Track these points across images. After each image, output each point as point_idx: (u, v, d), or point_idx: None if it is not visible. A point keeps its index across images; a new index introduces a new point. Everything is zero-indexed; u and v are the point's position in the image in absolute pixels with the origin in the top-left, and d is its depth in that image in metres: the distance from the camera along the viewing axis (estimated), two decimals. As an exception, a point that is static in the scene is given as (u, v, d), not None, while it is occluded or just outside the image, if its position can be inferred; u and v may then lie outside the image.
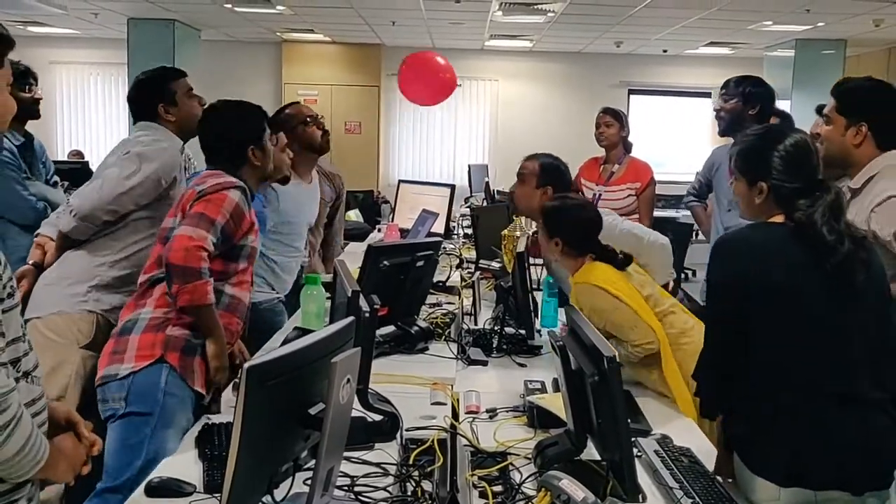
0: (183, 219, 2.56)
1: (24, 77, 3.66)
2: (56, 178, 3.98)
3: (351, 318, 1.91)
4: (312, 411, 1.73)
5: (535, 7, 8.36)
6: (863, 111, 2.58)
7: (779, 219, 2.13)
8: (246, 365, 1.54)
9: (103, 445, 1.95)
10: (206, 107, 3.02)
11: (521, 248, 3.46)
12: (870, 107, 2.60)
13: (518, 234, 4.20)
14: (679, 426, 2.52)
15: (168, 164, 2.97)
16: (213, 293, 2.53)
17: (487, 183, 7.87)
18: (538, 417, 2.42)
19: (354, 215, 9.25)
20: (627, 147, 5.29)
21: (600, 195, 5.14)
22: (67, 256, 2.97)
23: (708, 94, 12.31)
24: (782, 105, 10.42)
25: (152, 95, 3.12)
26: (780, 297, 2.03)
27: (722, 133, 4.18)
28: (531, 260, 3.73)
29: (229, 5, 8.75)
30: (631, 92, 12.27)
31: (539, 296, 3.63)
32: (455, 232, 6.27)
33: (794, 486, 1.98)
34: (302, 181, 3.81)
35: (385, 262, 2.96)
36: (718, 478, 2.10)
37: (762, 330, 2.04)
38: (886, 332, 2.09)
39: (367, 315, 2.11)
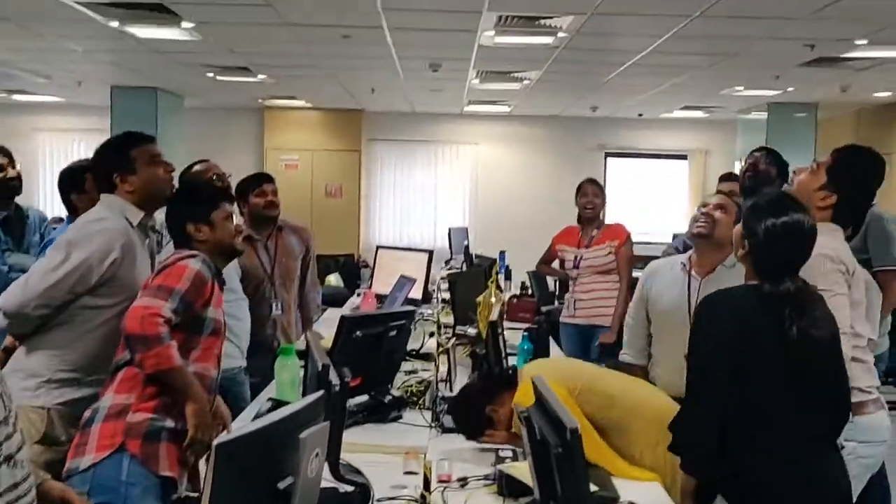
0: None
1: None
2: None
3: (320, 393, 1.94)
4: (281, 485, 1.75)
5: (511, 75, 8.57)
6: (844, 186, 2.74)
7: (755, 282, 2.41)
8: (215, 441, 1.57)
9: None
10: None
11: (494, 316, 3.51)
12: (852, 188, 2.76)
13: (493, 300, 4.26)
14: (646, 490, 2.55)
15: (102, 249, 2.74)
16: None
17: (467, 246, 7.94)
18: (507, 486, 2.44)
19: (334, 279, 9.28)
20: (603, 215, 5.52)
21: (582, 257, 5.28)
22: (22, 347, 2.83)
23: (684, 157, 12.58)
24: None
25: (108, 165, 2.92)
26: (756, 354, 2.32)
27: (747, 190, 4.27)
28: (505, 325, 3.78)
29: (211, 74, 8.92)
30: (608, 155, 12.50)
31: (513, 361, 3.67)
32: (434, 296, 6.32)
33: None
34: None
35: (358, 333, 3.00)
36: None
37: (743, 383, 2.31)
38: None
39: (336, 388, 2.14)
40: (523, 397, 2.79)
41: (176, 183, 3.10)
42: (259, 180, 4.55)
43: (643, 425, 2.74)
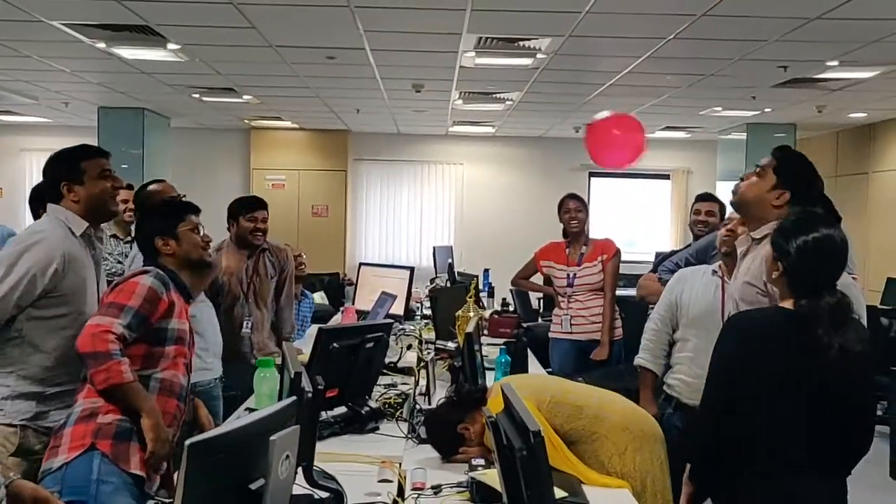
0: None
1: None
2: None
3: (292, 398, 2.01)
4: (253, 487, 1.81)
5: (494, 96, 8.70)
6: (793, 183, 2.77)
7: (788, 304, 2.41)
8: (187, 441, 1.63)
9: None
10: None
11: (470, 328, 3.59)
12: (800, 182, 2.79)
13: (471, 314, 4.35)
14: (615, 497, 2.62)
15: (43, 260, 2.73)
16: (135, 375, 2.56)
17: (451, 264, 8.02)
18: (479, 492, 2.51)
19: (319, 297, 9.30)
20: (588, 230, 5.49)
21: (575, 275, 5.27)
22: None
23: (667, 176, 12.72)
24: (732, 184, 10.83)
25: (57, 174, 2.92)
26: (772, 374, 2.35)
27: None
28: (486, 341, 3.85)
29: (197, 95, 9.01)
30: (592, 174, 12.62)
31: (492, 375, 3.74)
32: (417, 313, 6.39)
33: None
34: None
35: (335, 345, 3.06)
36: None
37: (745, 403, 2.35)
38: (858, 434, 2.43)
39: (309, 395, 2.21)
40: (495, 408, 2.89)
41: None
42: (253, 206, 4.66)
43: (610, 432, 2.82)
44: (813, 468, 2.37)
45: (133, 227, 4.69)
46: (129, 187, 4.82)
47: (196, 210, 2.94)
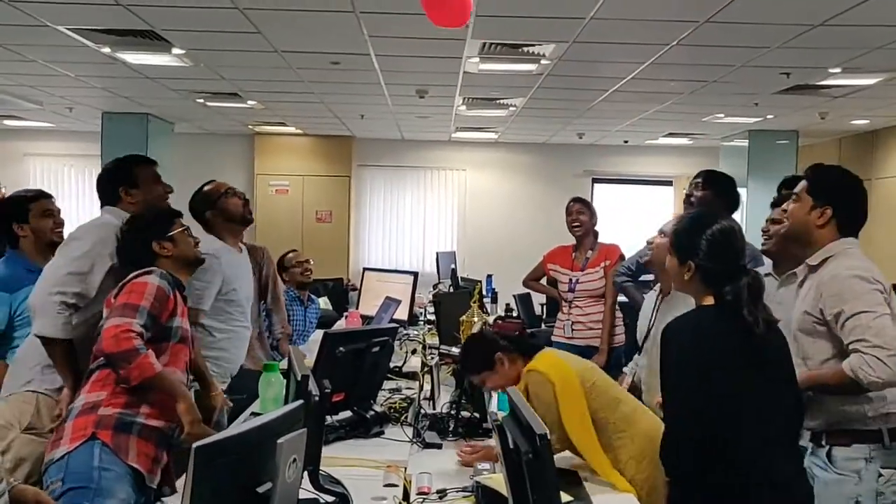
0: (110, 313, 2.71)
1: None
2: None
3: (299, 402, 2.02)
4: (260, 490, 1.82)
5: (497, 102, 8.71)
6: (830, 196, 2.74)
7: (709, 300, 2.43)
8: (195, 444, 1.64)
9: None
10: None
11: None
12: (836, 193, 2.76)
13: (475, 319, 4.35)
14: (621, 501, 2.62)
15: (104, 238, 3.06)
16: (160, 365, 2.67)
17: (454, 269, 8.02)
18: (484, 497, 2.52)
19: (323, 303, 9.31)
20: (596, 234, 5.49)
21: (578, 280, 5.30)
22: (26, 340, 3.09)
23: (669, 183, 12.73)
24: (738, 192, 10.81)
25: (114, 179, 3.29)
26: (715, 374, 2.35)
27: None
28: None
29: (201, 100, 9.03)
30: (595, 181, 12.64)
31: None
32: (421, 318, 6.40)
33: None
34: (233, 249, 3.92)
35: (341, 349, 3.07)
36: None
37: (707, 402, 2.35)
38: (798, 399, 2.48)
39: (316, 398, 2.22)
40: (540, 364, 2.92)
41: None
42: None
43: (636, 436, 2.85)
44: (780, 446, 2.41)
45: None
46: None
47: (180, 214, 3.13)
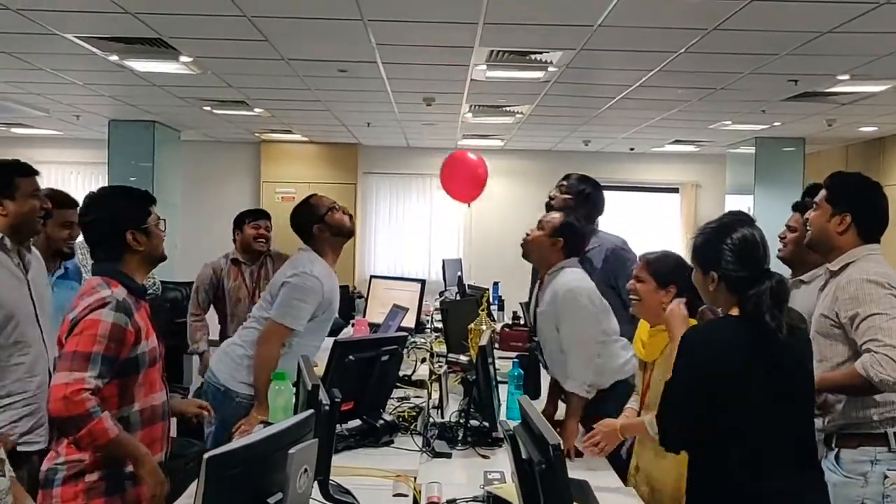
0: (60, 352, 2.48)
1: None
2: None
3: (310, 411, 2.00)
4: (271, 500, 1.80)
5: (504, 109, 8.71)
6: (848, 202, 2.78)
7: (735, 311, 2.39)
8: (206, 455, 1.63)
9: None
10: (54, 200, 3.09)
11: (484, 341, 3.57)
12: (855, 199, 2.80)
13: (484, 327, 4.33)
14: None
15: None
16: (117, 420, 2.46)
17: (460, 277, 8.01)
18: (495, 506, 2.49)
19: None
20: None
21: None
22: None
23: (675, 190, 12.71)
24: (745, 199, 10.82)
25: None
26: (735, 384, 2.31)
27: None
28: (497, 354, 3.84)
29: (208, 108, 9.04)
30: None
31: (504, 388, 3.72)
32: (428, 326, 6.37)
33: None
34: (332, 267, 3.82)
35: (350, 357, 3.05)
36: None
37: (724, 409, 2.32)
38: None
39: (326, 408, 2.20)
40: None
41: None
42: (256, 215, 5.27)
43: None
44: (795, 459, 2.37)
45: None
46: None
47: (155, 201, 2.79)
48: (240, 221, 5.23)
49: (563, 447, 1.94)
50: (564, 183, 4.37)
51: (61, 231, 3.54)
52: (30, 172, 3.08)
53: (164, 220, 2.79)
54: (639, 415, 3.08)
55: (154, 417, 2.64)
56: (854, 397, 2.64)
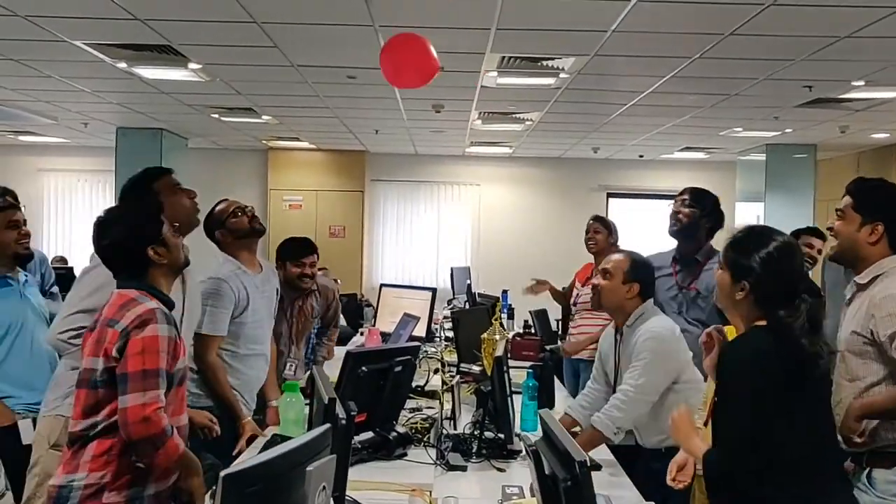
0: (106, 364, 2.39)
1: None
2: (55, 288, 4.03)
3: (327, 426, 1.94)
4: (288, 519, 1.75)
5: (513, 116, 8.66)
6: (881, 211, 2.63)
7: (761, 323, 2.26)
8: (223, 473, 1.57)
9: None
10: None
11: (499, 351, 3.51)
12: (888, 207, 2.64)
13: (497, 337, 4.26)
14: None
15: None
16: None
17: (469, 285, 7.94)
18: (515, 523, 2.43)
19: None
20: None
21: (579, 295, 5.39)
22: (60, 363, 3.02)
23: (684, 197, 12.64)
24: (755, 207, 10.72)
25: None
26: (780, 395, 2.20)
27: (674, 233, 4.19)
28: (510, 363, 3.77)
29: (216, 115, 9.01)
30: (610, 195, 12.56)
31: (519, 399, 3.66)
32: (437, 335, 6.31)
33: None
34: (249, 270, 3.79)
35: (363, 368, 2.99)
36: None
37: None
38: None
39: (343, 422, 2.14)
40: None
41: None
42: (300, 253, 4.56)
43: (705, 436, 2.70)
44: (834, 471, 2.34)
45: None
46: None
47: (162, 209, 2.74)
48: (282, 257, 4.56)
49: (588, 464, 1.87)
50: (686, 197, 4.16)
51: (9, 233, 3.39)
52: (162, 173, 3.37)
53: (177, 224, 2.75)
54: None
55: (180, 435, 2.54)
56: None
